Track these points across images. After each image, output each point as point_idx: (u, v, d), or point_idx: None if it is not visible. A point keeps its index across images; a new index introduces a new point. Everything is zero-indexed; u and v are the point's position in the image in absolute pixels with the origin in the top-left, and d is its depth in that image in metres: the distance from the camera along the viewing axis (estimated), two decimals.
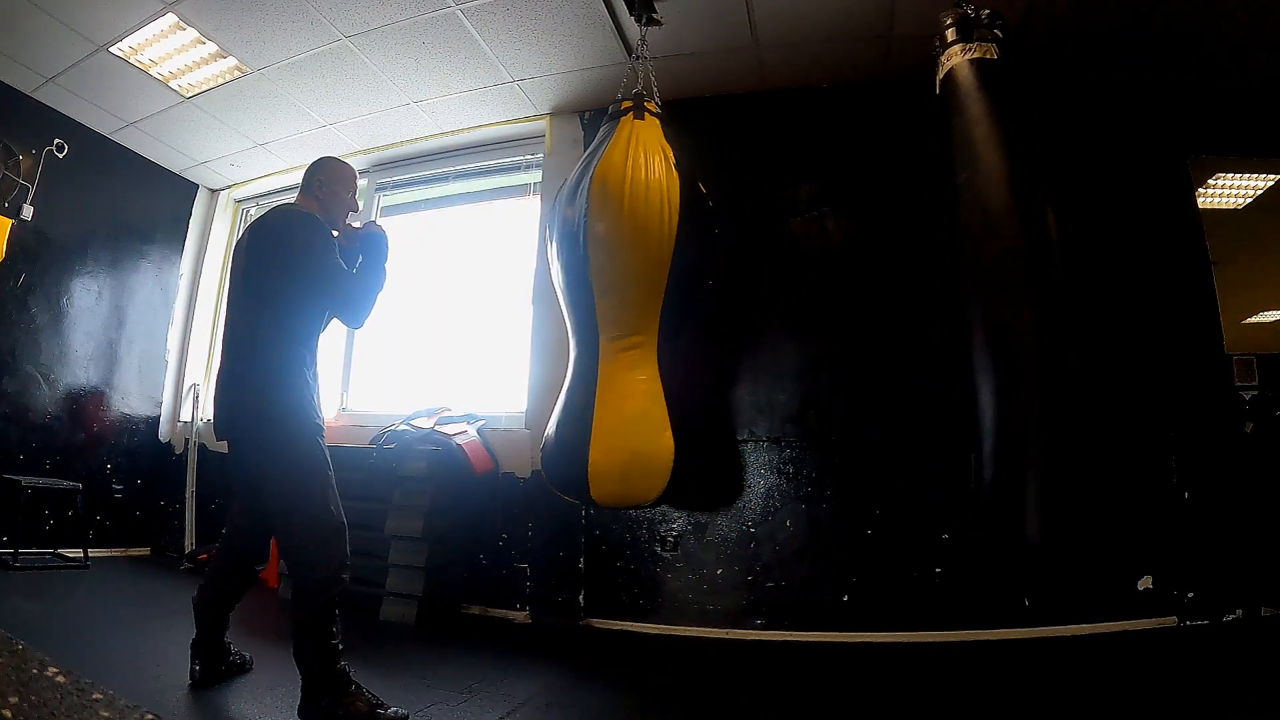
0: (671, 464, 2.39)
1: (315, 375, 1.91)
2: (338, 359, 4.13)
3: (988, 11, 2.18)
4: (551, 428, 2.60)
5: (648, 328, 2.49)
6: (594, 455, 2.40)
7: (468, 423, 3.40)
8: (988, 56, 2.14)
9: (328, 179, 2.06)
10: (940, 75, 2.23)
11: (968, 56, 2.15)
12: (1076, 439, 1.84)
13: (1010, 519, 1.86)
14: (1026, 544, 1.84)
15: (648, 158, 2.45)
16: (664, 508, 3.00)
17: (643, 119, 2.56)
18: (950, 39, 2.20)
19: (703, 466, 2.55)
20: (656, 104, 2.69)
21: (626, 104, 2.61)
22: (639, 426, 2.41)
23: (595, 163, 2.48)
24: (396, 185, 4.23)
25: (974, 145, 2.08)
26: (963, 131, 2.12)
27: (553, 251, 2.62)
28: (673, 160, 2.50)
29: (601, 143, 2.56)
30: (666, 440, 2.40)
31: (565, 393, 2.60)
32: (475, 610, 3.19)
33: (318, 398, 1.89)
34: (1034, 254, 1.94)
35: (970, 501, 2.02)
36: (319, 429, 1.85)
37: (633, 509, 2.96)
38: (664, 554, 3.02)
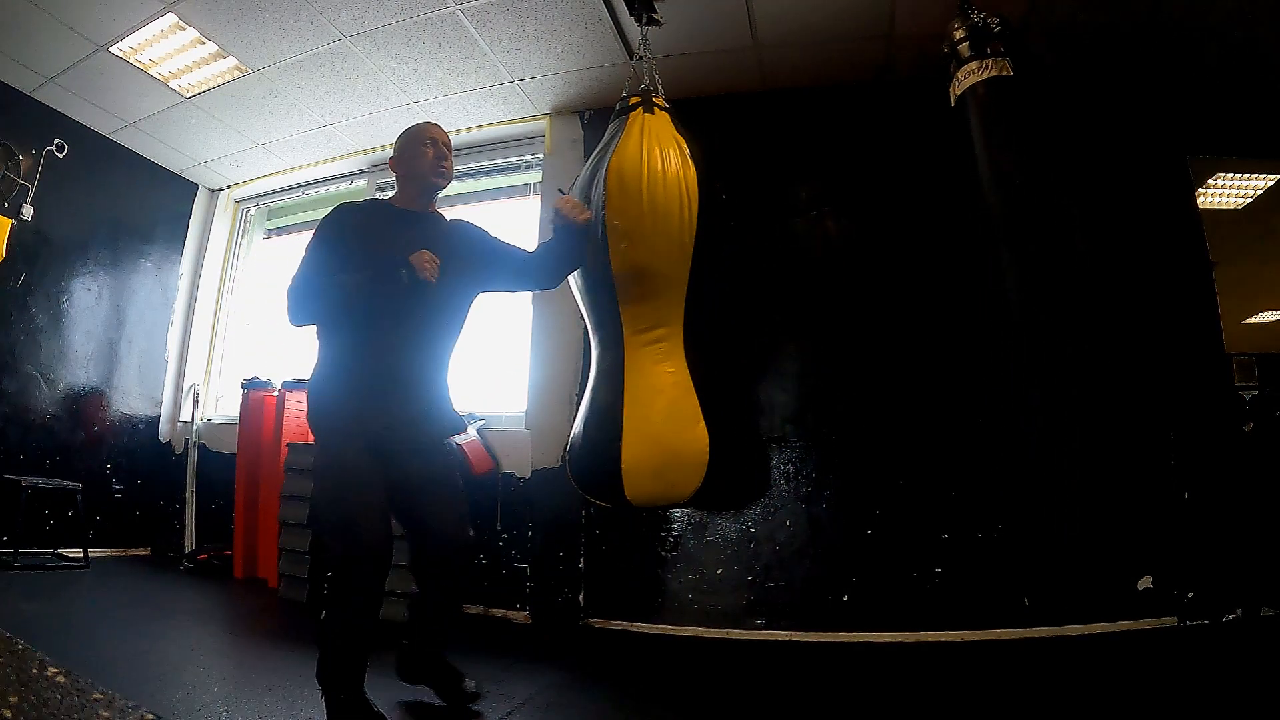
0: (708, 457, 2.34)
1: (346, 375, 1.81)
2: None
3: (996, 21, 2.19)
4: (578, 429, 2.55)
5: (673, 318, 2.44)
6: (627, 454, 2.35)
7: (468, 423, 3.40)
8: (1004, 74, 2.16)
9: (397, 155, 1.97)
10: (957, 90, 2.26)
11: (985, 75, 2.18)
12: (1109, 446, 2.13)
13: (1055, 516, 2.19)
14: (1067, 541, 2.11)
15: (663, 149, 2.42)
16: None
17: (652, 113, 2.54)
18: (964, 54, 2.22)
19: (733, 461, 2.50)
20: (664, 99, 2.68)
21: (635, 99, 2.60)
22: (672, 420, 2.35)
23: (609, 156, 2.45)
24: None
25: (1002, 171, 2.16)
26: (988, 157, 2.20)
27: None
28: (688, 151, 2.47)
29: (613, 138, 2.53)
30: (701, 433, 2.34)
31: (590, 392, 2.56)
32: (475, 610, 3.19)
33: (349, 395, 1.79)
34: (1064, 271, 2.12)
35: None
36: (332, 429, 1.78)
37: (667, 508, 2.91)
38: (664, 554, 3.02)
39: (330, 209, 1.90)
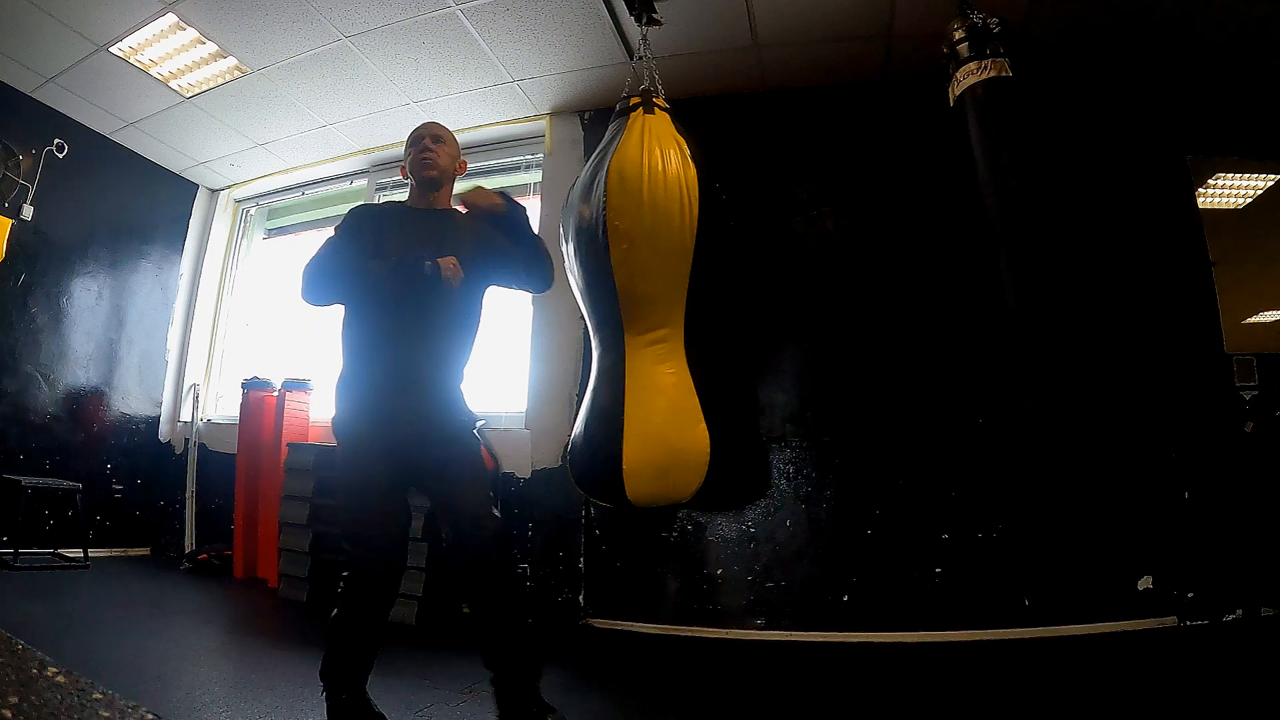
0: (708, 457, 2.34)
1: (363, 369, 1.82)
2: (338, 359, 4.13)
3: (996, 21, 2.20)
4: (579, 429, 2.56)
5: (674, 319, 2.45)
6: (628, 454, 2.35)
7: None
8: (1002, 74, 2.17)
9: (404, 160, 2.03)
10: (956, 90, 2.28)
11: (984, 75, 2.19)
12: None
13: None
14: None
15: (663, 149, 2.43)
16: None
17: (653, 113, 2.55)
18: (964, 55, 2.23)
19: (733, 461, 2.50)
20: (664, 99, 2.68)
21: (635, 100, 2.60)
22: (673, 421, 2.36)
23: (610, 157, 2.45)
24: (397, 185, 4.24)
25: (999, 171, 2.19)
26: (985, 158, 2.22)
27: (569, 250, 2.59)
28: (688, 152, 2.47)
29: (614, 138, 2.54)
30: (701, 433, 2.35)
31: (591, 392, 2.56)
32: None
33: (370, 395, 1.80)
34: (1060, 273, 2.19)
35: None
36: (347, 428, 1.79)
37: (668, 508, 2.91)
38: (664, 554, 3.02)
39: (348, 210, 1.94)
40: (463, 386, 1.96)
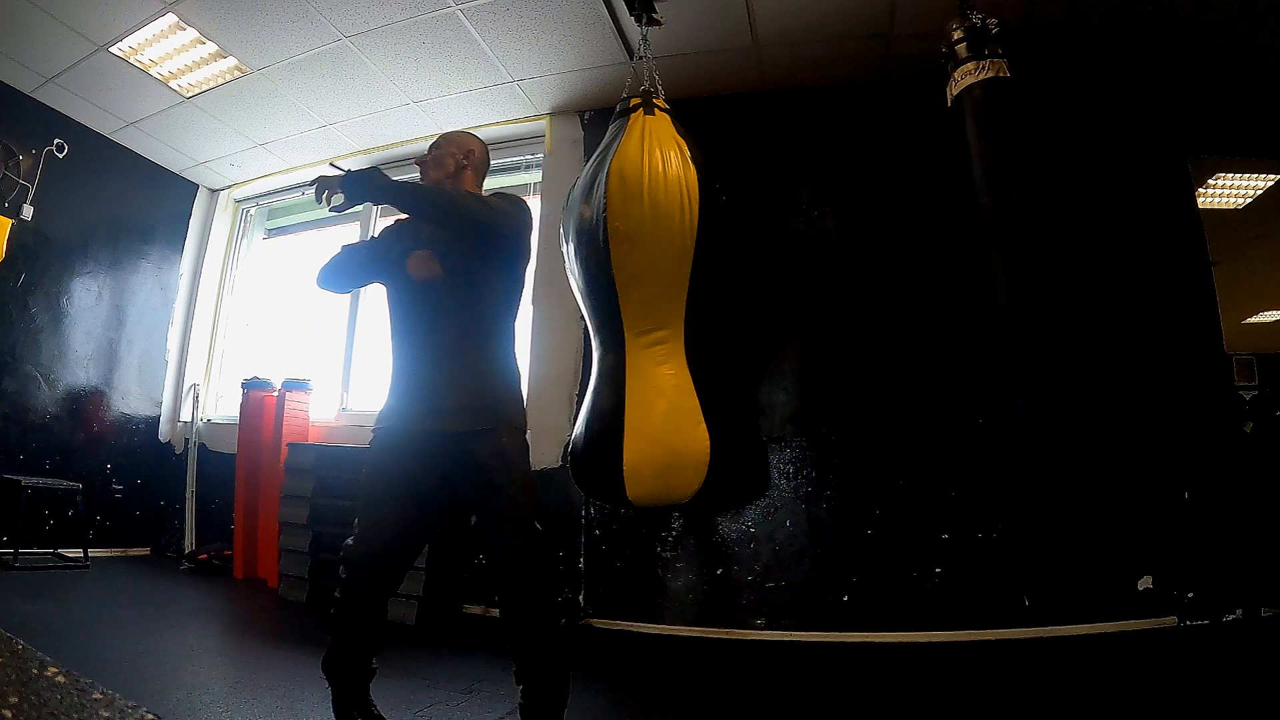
0: (708, 458, 2.36)
1: (399, 373, 1.80)
2: (338, 359, 4.13)
3: (995, 22, 2.20)
4: (579, 429, 2.57)
5: (674, 321, 2.46)
6: (628, 454, 2.37)
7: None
8: (1000, 75, 2.18)
9: None
10: (954, 90, 2.29)
11: (982, 76, 2.20)
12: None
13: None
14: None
15: (664, 151, 2.44)
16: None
17: (653, 114, 2.55)
18: (962, 55, 2.24)
19: (733, 462, 2.51)
20: (664, 99, 2.68)
21: (635, 101, 2.60)
22: (673, 421, 2.38)
23: (610, 158, 2.46)
24: None
25: (997, 171, 2.21)
26: (983, 156, 2.22)
27: (569, 251, 2.60)
28: (689, 153, 2.48)
29: (614, 139, 2.54)
30: (702, 434, 2.37)
31: (591, 393, 2.57)
32: (475, 610, 3.19)
33: (397, 393, 1.78)
34: (1053, 276, 2.21)
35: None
36: (377, 430, 1.77)
37: (668, 508, 2.92)
38: (664, 554, 3.02)
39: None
40: (504, 385, 1.81)
